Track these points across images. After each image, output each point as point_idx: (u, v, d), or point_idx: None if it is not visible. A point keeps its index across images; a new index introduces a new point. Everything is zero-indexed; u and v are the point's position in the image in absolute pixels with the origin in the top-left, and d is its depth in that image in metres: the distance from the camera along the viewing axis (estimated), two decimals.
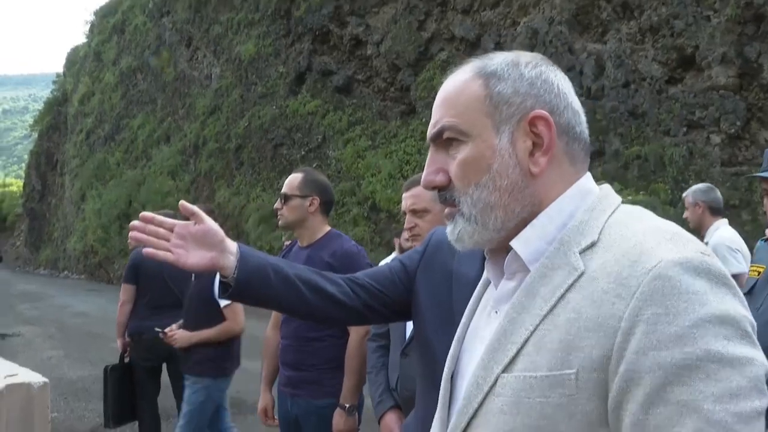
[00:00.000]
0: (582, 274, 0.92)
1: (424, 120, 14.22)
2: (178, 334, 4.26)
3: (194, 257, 1.50)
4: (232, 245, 1.56)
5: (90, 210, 27.89)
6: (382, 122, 15.95)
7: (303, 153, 17.32)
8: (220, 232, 1.54)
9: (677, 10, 10.07)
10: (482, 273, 1.77)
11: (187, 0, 24.40)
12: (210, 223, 1.52)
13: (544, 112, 1.02)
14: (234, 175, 20.03)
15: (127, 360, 5.43)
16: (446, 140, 1.06)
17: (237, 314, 4.29)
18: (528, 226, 1.02)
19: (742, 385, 0.80)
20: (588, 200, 1.03)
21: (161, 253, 1.49)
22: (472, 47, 13.91)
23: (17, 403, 5.27)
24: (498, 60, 1.08)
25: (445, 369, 1.16)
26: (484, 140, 1.03)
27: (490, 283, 1.18)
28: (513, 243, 1.02)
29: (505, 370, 0.95)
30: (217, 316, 4.23)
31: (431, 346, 1.80)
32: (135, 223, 1.51)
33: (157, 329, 4.39)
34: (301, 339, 3.15)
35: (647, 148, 10.23)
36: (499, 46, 13.29)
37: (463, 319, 1.21)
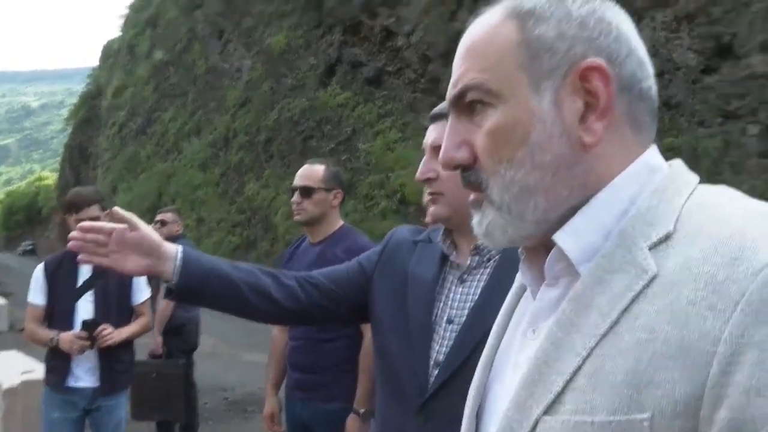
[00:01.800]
0: (654, 277, 0.67)
1: None
2: (111, 330, 3.57)
3: (131, 263, 1.53)
4: (172, 251, 1.57)
5: (121, 203, 28.13)
6: (412, 114, 15.83)
7: (332, 145, 17.28)
8: (157, 238, 1.56)
9: None
10: (439, 274, 1.68)
11: None
12: (145, 230, 1.55)
13: (600, 61, 0.76)
14: (264, 167, 20.07)
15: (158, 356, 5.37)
16: (470, 104, 0.80)
17: (148, 309, 3.95)
18: (577, 214, 0.76)
19: None
20: (655, 179, 0.76)
21: (96, 258, 1.52)
22: None
23: (33, 401, 5.11)
24: None
25: (469, 403, 0.91)
26: (519, 102, 0.77)
27: (525, 291, 0.91)
28: (557, 236, 0.76)
29: (547, 411, 0.70)
30: (130, 314, 3.83)
31: (388, 352, 1.71)
32: (74, 234, 1.52)
33: (86, 320, 3.55)
34: (311, 340, 3.00)
35: (681, 140, 10.01)
36: None
37: (491, 339, 0.93)
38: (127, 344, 3.79)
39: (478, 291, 1.61)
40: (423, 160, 1.66)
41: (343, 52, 17.99)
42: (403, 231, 1.89)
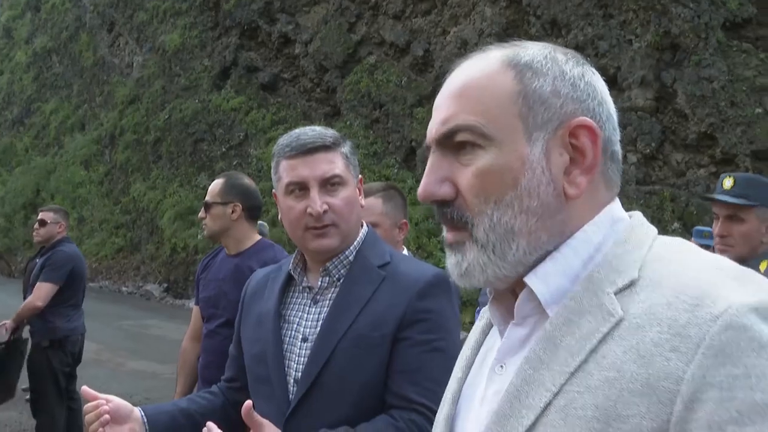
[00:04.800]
0: (620, 320, 0.73)
1: (348, 123, 14.16)
2: None
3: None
4: (137, 412, 1.65)
5: None
6: (306, 123, 15.75)
7: (224, 150, 16.95)
8: (128, 404, 1.63)
9: (602, 31, 10.37)
10: (282, 298, 1.75)
11: None
12: (117, 400, 1.61)
13: (591, 121, 0.82)
14: (151, 168, 19.44)
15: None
16: (458, 143, 0.84)
17: None
18: (548, 259, 0.82)
19: None
20: (618, 230, 0.83)
21: None
22: (402, 53, 13.95)
23: None
24: (533, 51, 0.86)
25: None
26: (513, 148, 0.81)
27: (490, 328, 0.97)
28: (528, 279, 0.82)
29: None
30: None
31: (253, 380, 1.78)
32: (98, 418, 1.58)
33: None
34: (226, 355, 2.94)
35: None
36: (428, 54, 13.41)
37: (458, 373, 0.97)
38: None
39: (327, 309, 1.68)
40: (315, 194, 1.66)
41: (239, 55, 17.72)
42: (257, 275, 1.94)
